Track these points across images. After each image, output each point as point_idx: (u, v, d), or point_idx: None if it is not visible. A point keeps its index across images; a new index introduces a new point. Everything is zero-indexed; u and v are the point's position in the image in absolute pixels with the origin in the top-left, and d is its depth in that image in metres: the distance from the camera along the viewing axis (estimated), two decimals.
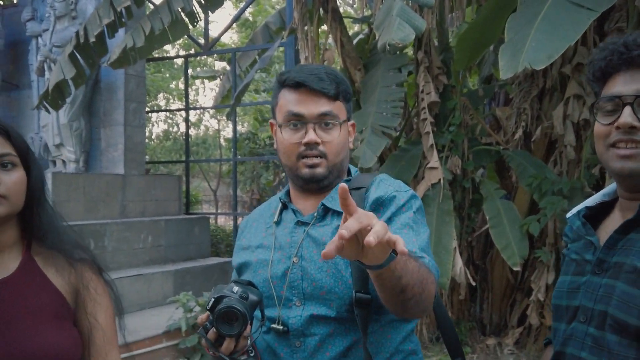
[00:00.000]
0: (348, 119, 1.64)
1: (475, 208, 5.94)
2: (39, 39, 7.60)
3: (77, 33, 5.76)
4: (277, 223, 1.64)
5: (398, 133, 6.46)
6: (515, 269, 5.21)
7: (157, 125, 23.12)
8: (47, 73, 7.19)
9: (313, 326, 1.49)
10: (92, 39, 5.64)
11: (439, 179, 5.39)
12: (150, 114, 20.77)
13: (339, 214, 1.54)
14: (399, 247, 1.05)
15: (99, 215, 7.17)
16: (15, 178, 1.39)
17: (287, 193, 1.68)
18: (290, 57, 7.21)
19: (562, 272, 1.44)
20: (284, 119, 1.57)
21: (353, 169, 1.71)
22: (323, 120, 1.55)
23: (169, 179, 8.74)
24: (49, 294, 1.43)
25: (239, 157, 10.82)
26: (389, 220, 1.49)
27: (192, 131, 22.20)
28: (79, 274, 1.47)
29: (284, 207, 1.66)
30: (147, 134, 22.50)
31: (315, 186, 1.59)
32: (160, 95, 20.86)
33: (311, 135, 1.53)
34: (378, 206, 1.53)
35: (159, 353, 5.58)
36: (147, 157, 21.16)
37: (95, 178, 7.32)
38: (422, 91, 5.68)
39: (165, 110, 17.94)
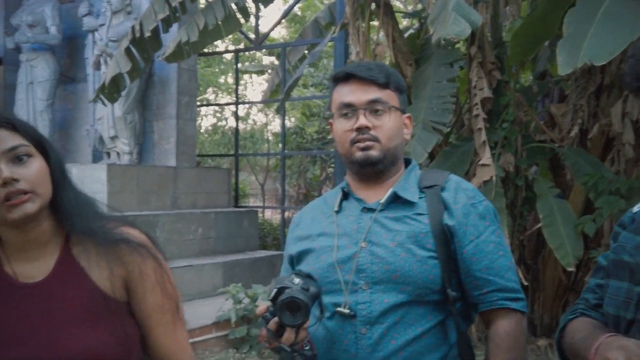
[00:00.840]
0: (403, 111, 1.67)
1: (527, 206, 5.83)
2: (95, 33, 7.79)
3: (132, 28, 5.88)
4: (338, 212, 1.65)
5: (449, 129, 6.38)
6: (569, 269, 5.09)
7: (206, 119, 23.44)
8: (102, 67, 7.37)
9: (382, 314, 1.50)
10: (147, 34, 5.75)
11: (491, 176, 5.30)
12: (199, 108, 21.08)
13: (408, 203, 1.58)
14: None
15: (151, 206, 7.32)
16: (35, 169, 1.31)
17: (348, 184, 1.70)
18: (340, 52, 7.21)
19: (614, 275, 1.31)
20: (337, 110, 1.64)
21: (412, 162, 1.73)
22: (373, 107, 1.59)
23: (219, 172, 8.86)
24: (87, 293, 1.34)
25: (287, 151, 10.88)
26: (474, 235, 1.55)
27: (240, 125, 22.41)
28: (119, 258, 1.36)
29: (345, 197, 1.68)
30: (197, 127, 22.88)
31: (371, 170, 1.61)
32: (210, 90, 21.14)
33: (362, 120, 1.58)
34: (454, 210, 1.56)
35: (208, 343, 5.67)
36: (197, 150, 21.50)
37: (148, 170, 7.48)
38: (475, 87, 5.59)
39: (215, 105, 18.16)
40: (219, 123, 20.51)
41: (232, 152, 10.60)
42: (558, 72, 3.67)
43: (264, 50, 14.10)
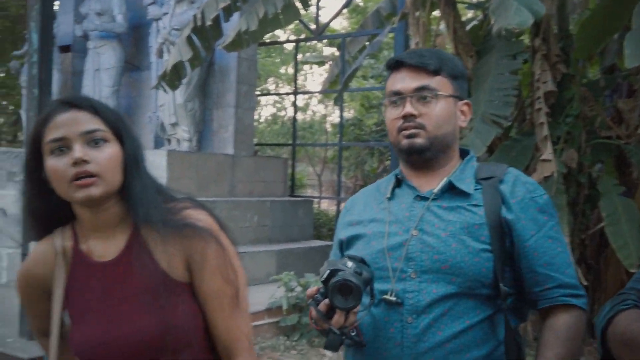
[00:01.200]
0: (459, 98, 1.63)
1: (590, 204, 5.64)
2: (159, 22, 7.96)
3: (194, 16, 5.97)
4: (391, 199, 1.64)
5: (510, 123, 6.23)
6: (631, 270, 4.91)
7: (265, 109, 23.66)
8: (165, 55, 7.53)
9: (430, 304, 1.48)
10: (208, 22, 5.83)
11: (552, 172, 5.15)
12: (259, 98, 21.33)
13: (463, 193, 1.56)
14: None
15: (209, 193, 7.45)
16: (107, 154, 1.34)
17: (401, 171, 1.69)
18: (400, 43, 7.13)
19: None
20: (387, 99, 1.63)
21: (470, 152, 1.70)
22: (420, 94, 1.57)
23: (276, 161, 8.94)
24: (152, 273, 1.38)
25: (345, 142, 10.87)
26: (535, 229, 1.52)
27: (299, 116, 22.54)
28: (183, 242, 1.38)
29: (398, 184, 1.67)
30: (255, 116, 23.16)
31: (418, 158, 1.59)
32: (270, 79, 21.33)
33: (407, 108, 1.56)
34: (513, 204, 1.53)
35: (260, 329, 5.74)
36: (255, 139, 21.75)
37: (207, 157, 7.61)
38: (538, 80, 5.43)
39: (275, 94, 18.31)
40: (279, 113, 20.69)
41: (290, 142, 10.65)
42: (625, 66, 3.52)
43: (325, 41, 14.09)
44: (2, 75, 15.51)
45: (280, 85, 20.82)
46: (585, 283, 5.28)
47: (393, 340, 1.49)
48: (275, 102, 20.56)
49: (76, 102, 1.38)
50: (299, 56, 10.36)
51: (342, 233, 1.71)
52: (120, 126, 1.40)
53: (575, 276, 1.54)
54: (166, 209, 1.41)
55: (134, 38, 9.02)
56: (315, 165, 17.46)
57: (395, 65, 1.63)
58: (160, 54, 7.71)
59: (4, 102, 17.56)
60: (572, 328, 1.48)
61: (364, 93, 13.91)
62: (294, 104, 9.51)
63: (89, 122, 1.35)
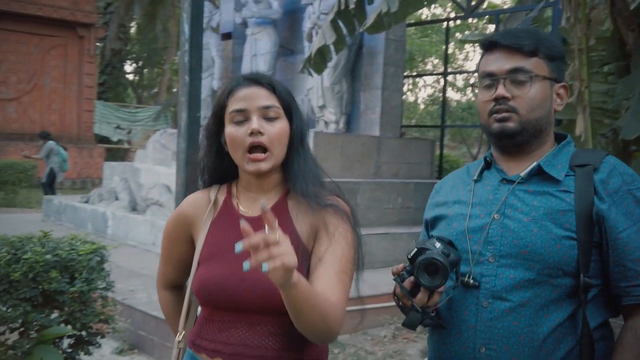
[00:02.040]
0: (556, 80, 1.57)
1: None
2: (310, 7, 8.18)
3: (339, 0, 6.07)
4: (477, 181, 1.62)
5: None
6: None
7: (423, 90, 23.37)
8: (314, 39, 7.73)
9: (507, 290, 1.44)
10: (351, 6, 5.90)
11: None
12: (417, 79, 21.17)
13: (551, 179, 1.51)
14: None
15: (354, 174, 7.58)
16: (277, 129, 1.53)
17: (491, 154, 1.66)
18: (557, 17, 6.72)
19: None
20: (479, 80, 1.59)
21: (567, 137, 1.63)
22: (513, 76, 1.52)
23: (423, 142, 8.85)
24: (291, 237, 1.47)
25: None
26: (629, 223, 1.44)
27: (458, 96, 22.07)
28: (322, 216, 1.53)
29: (487, 166, 1.64)
30: (413, 98, 23.04)
31: (509, 142, 1.55)
32: (432, 59, 21.04)
33: (500, 90, 1.51)
34: (608, 194, 1.46)
35: (398, 310, 5.78)
36: (413, 121, 21.60)
37: (353, 139, 7.73)
38: None
39: (419, 75, 18.00)
40: (438, 94, 20.39)
41: (448, 123, 10.48)
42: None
43: (486, 18, 13.60)
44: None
45: (439, 65, 20.44)
46: None
47: (467, 323, 1.48)
48: (434, 82, 20.26)
49: (257, 78, 1.57)
50: (458, 35, 10.11)
51: (428, 213, 1.72)
52: (292, 105, 1.59)
53: None
54: (319, 187, 1.59)
55: (289, 23, 9.35)
56: (472, 147, 17.01)
57: (489, 46, 1.57)
58: (310, 38, 7.93)
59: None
60: None
61: None
62: (444, 85, 9.32)
63: (267, 98, 1.54)
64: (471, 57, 23.03)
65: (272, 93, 1.55)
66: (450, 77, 18.92)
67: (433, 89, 21.16)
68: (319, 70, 6.54)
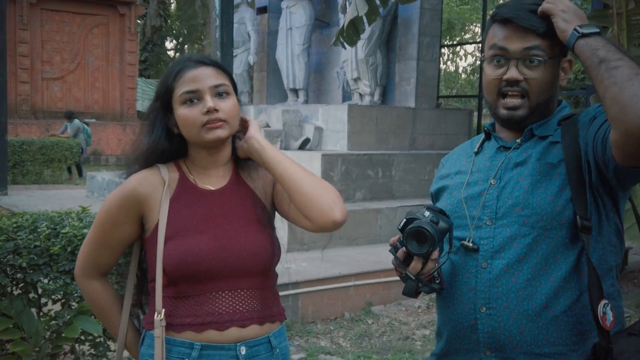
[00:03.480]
0: (564, 55, 1.54)
1: None
2: None
3: None
4: (478, 153, 1.65)
5: None
6: None
7: (464, 59, 22.96)
8: (348, 10, 7.68)
9: (504, 249, 1.47)
10: None
11: None
12: (458, 48, 20.81)
13: (542, 138, 1.53)
14: None
15: (389, 146, 7.57)
16: (230, 105, 1.60)
17: (492, 124, 1.67)
18: None
19: None
20: (489, 54, 1.54)
21: (562, 102, 1.63)
22: (527, 56, 1.48)
23: (460, 113, 8.75)
24: (252, 202, 1.66)
25: None
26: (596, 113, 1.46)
27: None
28: (268, 177, 1.69)
29: (487, 137, 1.66)
30: (454, 68, 22.68)
31: (516, 126, 1.56)
32: (472, 27, 20.63)
33: (512, 72, 1.49)
34: (586, 123, 1.47)
35: None
36: (454, 91, 21.30)
37: (388, 111, 7.70)
38: None
39: (457, 45, 17.65)
40: (477, 63, 20.01)
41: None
42: None
43: None
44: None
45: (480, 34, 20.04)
46: None
47: (467, 285, 1.51)
48: (475, 50, 19.88)
49: (202, 59, 1.62)
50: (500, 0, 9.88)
51: (433, 187, 1.76)
52: (234, 81, 1.67)
53: None
54: None
55: None
56: None
57: (503, 21, 1.52)
58: (343, 10, 7.87)
59: None
60: None
61: None
62: (481, 55, 9.14)
63: (216, 77, 1.60)
64: None
65: (219, 71, 1.61)
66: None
67: (474, 58, 20.78)
68: (352, 42, 6.52)
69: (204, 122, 1.55)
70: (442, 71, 22.98)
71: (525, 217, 1.45)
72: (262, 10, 9.91)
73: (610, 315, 1.37)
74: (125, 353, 1.74)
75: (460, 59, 22.73)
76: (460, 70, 22.19)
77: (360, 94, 8.07)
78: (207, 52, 27.19)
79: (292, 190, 1.57)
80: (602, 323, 1.36)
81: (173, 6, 27.68)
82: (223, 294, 1.57)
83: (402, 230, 1.45)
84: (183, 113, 1.57)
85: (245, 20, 9.63)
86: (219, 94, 1.59)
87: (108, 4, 18.84)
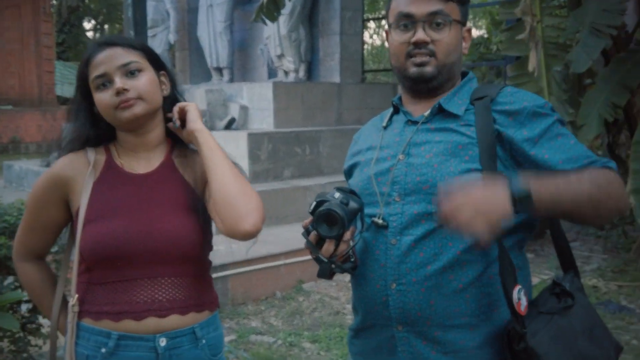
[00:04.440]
0: (463, 24, 1.59)
1: None
2: None
3: None
4: (386, 127, 1.65)
5: (628, 34, 5.67)
6: None
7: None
8: None
9: (412, 225, 1.47)
10: None
11: None
12: (368, 22, 20.86)
13: (452, 116, 1.54)
14: None
15: (316, 122, 7.55)
16: (144, 80, 1.56)
17: (399, 98, 1.67)
18: None
19: None
20: (394, 20, 1.56)
21: (469, 74, 1.64)
22: (433, 20, 1.51)
23: (385, 87, 8.81)
24: (181, 188, 1.62)
25: (465, 62, 10.46)
26: (538, 135, 1.45)
27: None
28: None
29: (396, 111, 1.66)
30: (380, 42, 22.80)
31: (425, 87, 1.56)
32: None
33: (420, 34, 1.51)
34: (512, 119, 1.47)
35: None
36: (382, 65, 21.38)
37: (313, 87, 7.66)
38: None
39: (380, 18, 17.75)
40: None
41: None
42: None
43: None
44: None
45: None
46: None
47: (378, 262, 1.50)
48: None
49: (110, 40, 1.60)
50: None
51: (346, 163, 1.75)
52: (155, 55, 1.64)
53: (601, 160, 1.43)
54: None
55: None
56: None
57: None
58: None
59: None
60: (611, 178, 1.39)
61: (488, 9, 13.17)
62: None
63: (124, 56, 1.56)
64: None
65: (129, 49, 1.58)
66: None
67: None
68: (273, 18, 6.42)
69: (116, 103, 1.53)
70: (369, 45, 23.08)
71: (432, 196, 1.45)
72: None
73: (524, 301, 1.39)
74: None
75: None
76: (386, 44, 22.35)
77: (285, 71, 7.99)
78: (127, 31, 26.46)
79: (214, 189, 1.53)
80: (517, 309, 1.37)
81: None
82: (142, 282, 1.54)
83: (312, 213, 1.44)
84: (98, 98, 1.56)
85: None
86: (131, 72, 1.55)
87: None
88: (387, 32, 1.63)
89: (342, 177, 6.44)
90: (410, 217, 1.47)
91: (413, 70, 1.53)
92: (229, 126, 7.31)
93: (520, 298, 1.39)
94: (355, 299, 1.62)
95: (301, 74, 7.94)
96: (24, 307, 3.45)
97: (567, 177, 1.36)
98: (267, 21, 6.60)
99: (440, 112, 1.56)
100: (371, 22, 19.99)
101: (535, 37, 4.91)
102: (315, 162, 7.13)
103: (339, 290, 5.17)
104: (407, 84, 1.59)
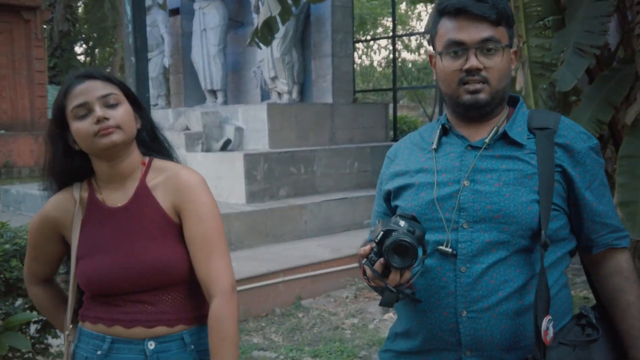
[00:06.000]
0: (510, 46, 1.57)
1: None
2: None
3: None
4: (437, 149, 1.62)
5: (611, 52, 5.86)
6: None
7: (378, 53, 23.46)
8: (261, 10, 7.74)
9: (482, 253, 1.48)
10: None
11: None
12: (363, 43, 21.22)
13: (515, 144, 1.55)
14: None
15: (309, 142, 7.69)
16: (122, 112, 1.63)
17: (447, 119, 1.65)
18: None
19: None
20: (444, 47, 1.54)
21: (520, 99, 1.67)
22: (485, 46, 1.50)
23: (376, 106, 8.98)
24: (157, 216, 1.67)
25: None
26: (590, 180, 1.54)
27: (412, 57, 22.25)
28: (182, 192, 1.67)
29: (444, 133, 1.64)
30: (369, 62, 23.14)
31: (477, 113, 1.56)
32: (384, 21, 21.10)
33: (473, 61, 1.50)
34: (571, 156, 1.54)
35: (358, 271, 5.94)
36: (371, 84, 21.62)
37: (306, 108, 7.83)
38: (638, 3, 5.07)
39: (369, 40, 18.03)
40: (391, 56, 20.52)
41: (405, 85, 10.61)
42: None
43: None
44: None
45: (397, 26, 20.54)
46: None
47: (446, 289, 1.50)
48: (388, 44, 20.33)
49: (89, 73, 1.66)
50: None
51: (389, 184, 1.69)
52: (129, 91, 1.70)
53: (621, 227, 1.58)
54: (172, 160, 1.79)
55: None
56: (427, 107, 17.22)
57: (454, 13, 1.52)
58: (257, 10, 7.92)
59: None
60: (635, 269, 1.54)
61: None
62: (393, 48, 9.45)
63: (104, 88, 1.63)
64: (423, 16, 23.12)
65: (107, 82, 1.64)
66: (405, 38, 19.06)
67: (388, 52, 21.24)
68: (267, 42, 6.57)
69: (96, 131, 1.58)
70: (358, 66, 23.38)
71: (505, 225, 1.47)
72: (174, 12, 9.80)
73: (551, 332, 1.42)
74: None
75: (375, 53, 23.17)
76: (375, 64, 22.62)
77: (279, 93, 8.15)
78: (119, 55, 26.57)
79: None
80: (544, 338, 1.39)
81: (81, 9, 26.82)
82: (131, 301, 1.65)
83: (379, 243, 1.41)
84: (76, 126, 1.61)
85: (157, 22, 9.51)
86: (109, 103, 1.62)
87: (11, 10, 18.03)
88: (431, 56, 1.62)
89: (336, 195, 6.60)
90: (481, 245, 1.48)
91: (467, 97, 1.52)
92: (224, 147, 7.45)
93: (548, 328, 1.41)
94: (413, 323, 1.59)
95: (294, 95, 8.10)
96: (33, 328, 3.54)
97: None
98: (262, 45, 6.75)
99: (502, 139, 1.55)
100: (359, 43, 20.30)
101: (522, 58, 5.09)
102: (310, 181, 7.27)
103: (337, 306, 5.28)
104: (459, 110, 1.58)
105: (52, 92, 20.37)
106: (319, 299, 5.48)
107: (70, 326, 1.72)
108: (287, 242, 6.47)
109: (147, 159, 1.74)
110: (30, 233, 1.79)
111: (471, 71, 1.50)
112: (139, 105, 1.73)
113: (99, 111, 1.59)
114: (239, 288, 5.16)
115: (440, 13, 1.55)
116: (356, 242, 6.28)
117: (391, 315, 4.99)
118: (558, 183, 1.50)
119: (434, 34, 1.59)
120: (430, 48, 1.66)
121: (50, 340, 3.64)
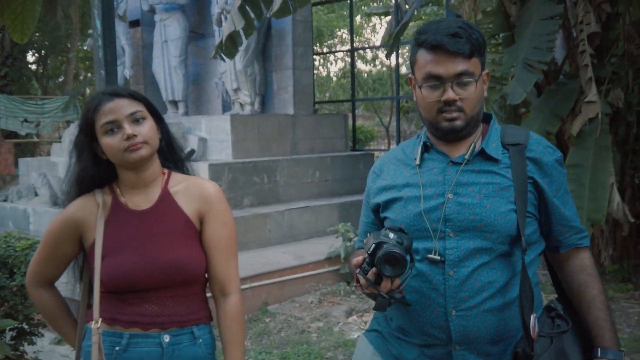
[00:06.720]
0: (482, 70, 1.72)
1: None
2: None
3: None
4: (420, 165, 1.78)
5: (549, 67, 6.23)
6: None
7: (335, 64, 23.79)
8: (224, 23, 7.89)
9: (467, 258, 1.66)
10: None
11: (597, 114, 5.21)
12: (321, 56, 21.56)
13: (490, 159, 1.73)
14: None
15: (272, 152, 7.87)
16: (148, 127, 1.80)
17: (428, 138, 1.81)
18: None
19: None
20: (423, 79, 1.69)
21: (492, 118, 1.85)
22: (460, 80, 1.65)
23: (335, 117, 9.22)
24: (180, 220, 1.85)
25: (401, 95, 11.05)
26: (557, 189, 1.73)
27: (368, 68, 22.67)
28: (208, 200, 1.87)
29: (426, 149, 1.80)
30: (326, 73, 23.44)
31: (454, 137, 1.73)
32: (341, 32, 21.45)
33: (449, 94, 1.65)
34: (540, 168, 1.73)
35: (322, 276, 6.18)
36: (327, 94, 21.88)
37: (268, 119, 8.00)
38: (582, 22, 5.44)
39: (328, 53, 18.35)
40: (347, 67, 20.84)
41: (361, 96, 10.87)
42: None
43: None
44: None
45: (349, 38, 20.84)
46: (632, 220, 5.37)
47: (437, 291, 1.68)
48: (344, 55, 20.66)
49: (116, 92, 1.83)
50: (364, 8, 10.43)
51: (377, 198, 1.85)
52: (152, 105, 1.88)
53: (583, 231, 1.79)
54: (188, 170, 1.99)
55: (197, 7, 9.43)
56: (383, 117, 17.59)
57: (431, 48, 1.66)
58: (219, 23, 8.09)
59: (89, 75, 18.62)
60: (594, 265, 1.76)
61: None
62: (352, 60, 9.71)
63: (131, 106, 1.80)
64: (378, 29, 23.58)
65: (133, 100, 1.80)
66: (359, 51, 19.41)
67: (344, 63, 21.58)
68: (231, 55, 6.73)
69: (126, 147, 1.75)
70: (316, 76, 23.65)
71: (487, 233, 1.66)
72: (134, 23, 9.85)
73: (537, 327, 1.62)
74: None
75: (331, 64, 23.48)
76: (332, 74, 22.94)
77: (241, 104, 8.31)
78: (72, 65, 26.22)
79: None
80: (532, 333, 1.59)
81: None
82: (150, 299, 1.80)
83: (371, 254, 1.56)
84: (107, 141, 1.78)
85: (118, 34, 9.54)
86: (136, 120, 1.79)
87: None
88: (410, 79, 1.77)
89: (299, 204, 6.85)
90: (467, 251, 1.66)
91: (445, 124, 1.69)
92: (188, 157, 7.54)
93: (534, 324, 1.60)
94: (405, 322, 1.76)
95: (256, 106, 8.27)
96: (9, 335, 3.62)
97: (605, 307, 1.71)
98: (225, 58, 6.91)
99: (479, 155, 1.73)
100: (317, 55, 20.58)
101: None
102: (273, 190, 7.45)
103: (303, 311, 5.46)
104: (438, 134, 1.75)
105: (5, 102, 19.98)
106: (284, 304, 5.65)
107: (100, 320, 1.79)
108: (252, 250, 6.62)
109: (166, 170, 1.92)
110: (50, 233, 1.89)
111: (448, 102, 1.66)
112: (160, 118, 1.90)
113: (128, 129, 1.76)
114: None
115: (419, 45, 1.70)
116: (318, 249, 6.49)
117: (355, 319, 5.20)
118: (530, 193, 1.70)
119: (414, 62, 1.74)
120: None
121: (26, 347, 3.72)
